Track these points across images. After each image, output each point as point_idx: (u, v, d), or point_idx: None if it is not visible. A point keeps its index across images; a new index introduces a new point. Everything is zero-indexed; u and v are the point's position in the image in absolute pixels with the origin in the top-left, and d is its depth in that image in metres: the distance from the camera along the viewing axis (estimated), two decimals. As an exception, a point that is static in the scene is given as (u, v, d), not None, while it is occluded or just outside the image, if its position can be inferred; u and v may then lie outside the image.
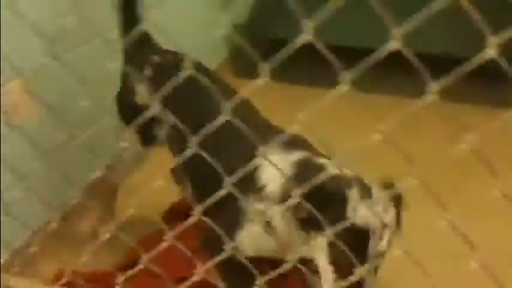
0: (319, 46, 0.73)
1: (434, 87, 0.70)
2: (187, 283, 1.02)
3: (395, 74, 2.61)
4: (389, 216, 1.12)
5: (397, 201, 1.18)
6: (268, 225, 1.27)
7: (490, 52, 0.65)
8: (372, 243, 1.08)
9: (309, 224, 1.14)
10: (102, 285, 1.40)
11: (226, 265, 1.15)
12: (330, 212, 1.03)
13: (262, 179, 1.27)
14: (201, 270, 0.99)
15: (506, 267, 1.16)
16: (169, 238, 0.93)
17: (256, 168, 1.26)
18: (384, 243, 1.10)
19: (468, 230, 0.80)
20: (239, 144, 1.22)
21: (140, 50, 1.61)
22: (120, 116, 1.70)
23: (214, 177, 0.97)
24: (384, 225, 1.10)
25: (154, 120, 1.51)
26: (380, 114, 0.78)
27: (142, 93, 1.59)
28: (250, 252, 1.30)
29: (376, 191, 1.13)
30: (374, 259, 1.10)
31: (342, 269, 1.11)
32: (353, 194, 1.10)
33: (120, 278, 1.05)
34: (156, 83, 1.53)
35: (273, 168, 1.18)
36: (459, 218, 0.97)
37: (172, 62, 1.59)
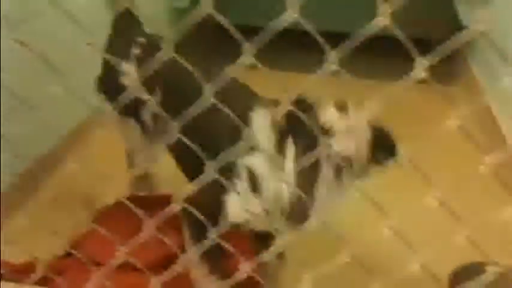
0: (221, 20, 0.73)
1: (332, 56, 0.70)
2: (109, 266, 1.01)
3: (293, 51, 2.63)
4: (361, 134, 1.14)
5: (385, 138, 1.20)
6: (256, 184, 1.27)
7: (382, 21, 0.65)
8: (334, 142, 1.10)
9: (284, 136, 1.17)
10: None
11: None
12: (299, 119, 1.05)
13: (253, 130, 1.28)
14: (122, 253, 0.97)
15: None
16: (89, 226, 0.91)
17: (248, 123, 1.28)
18: (348, 147, 1.11)
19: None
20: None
21: (125, 32, 1.63)
22: (107, 98, 1.68)
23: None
24: (350, 131, 1.12)
25: (140, 103, 1.55)
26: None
27: (129, 73, 1.59)
28: (238, 218, 1.30)
29: (356, 115, 1.15)
30: (338, 163, 1.11)
31: (303, 174, 1.12)
32: (322, 103, 1.14)
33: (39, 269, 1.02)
34: (143, 63, 1.53)
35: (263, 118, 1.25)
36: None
37: (157, 42, 1.60)
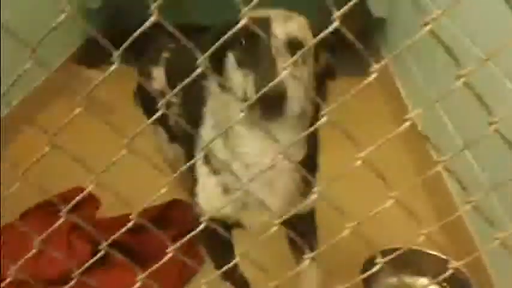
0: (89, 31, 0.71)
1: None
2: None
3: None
4: (299, 20, 1.12)
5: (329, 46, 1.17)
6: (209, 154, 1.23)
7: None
8: (272, 29, 1.06)
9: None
10: None
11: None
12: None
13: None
14: (12, 271, 0.93)
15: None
16: None
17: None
18: (289, 28, 1.08)
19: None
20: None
21: (156, 38, 1.66)
22: (143, 109, 1.69)
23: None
24: (288, 18, 1.09)
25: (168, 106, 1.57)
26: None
27: (159, 78, 1.60)
28: (209, 209, 1.25)
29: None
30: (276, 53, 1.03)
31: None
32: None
33: None
34: (171, 66, 1.57)
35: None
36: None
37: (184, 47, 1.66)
